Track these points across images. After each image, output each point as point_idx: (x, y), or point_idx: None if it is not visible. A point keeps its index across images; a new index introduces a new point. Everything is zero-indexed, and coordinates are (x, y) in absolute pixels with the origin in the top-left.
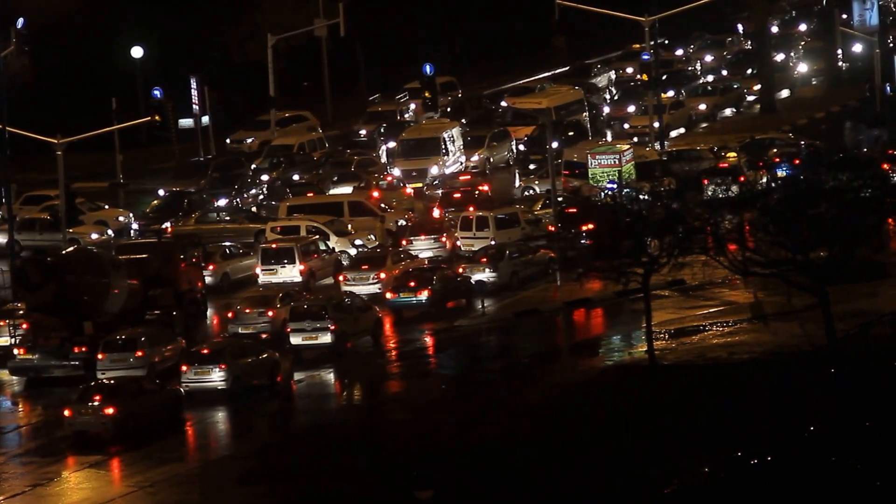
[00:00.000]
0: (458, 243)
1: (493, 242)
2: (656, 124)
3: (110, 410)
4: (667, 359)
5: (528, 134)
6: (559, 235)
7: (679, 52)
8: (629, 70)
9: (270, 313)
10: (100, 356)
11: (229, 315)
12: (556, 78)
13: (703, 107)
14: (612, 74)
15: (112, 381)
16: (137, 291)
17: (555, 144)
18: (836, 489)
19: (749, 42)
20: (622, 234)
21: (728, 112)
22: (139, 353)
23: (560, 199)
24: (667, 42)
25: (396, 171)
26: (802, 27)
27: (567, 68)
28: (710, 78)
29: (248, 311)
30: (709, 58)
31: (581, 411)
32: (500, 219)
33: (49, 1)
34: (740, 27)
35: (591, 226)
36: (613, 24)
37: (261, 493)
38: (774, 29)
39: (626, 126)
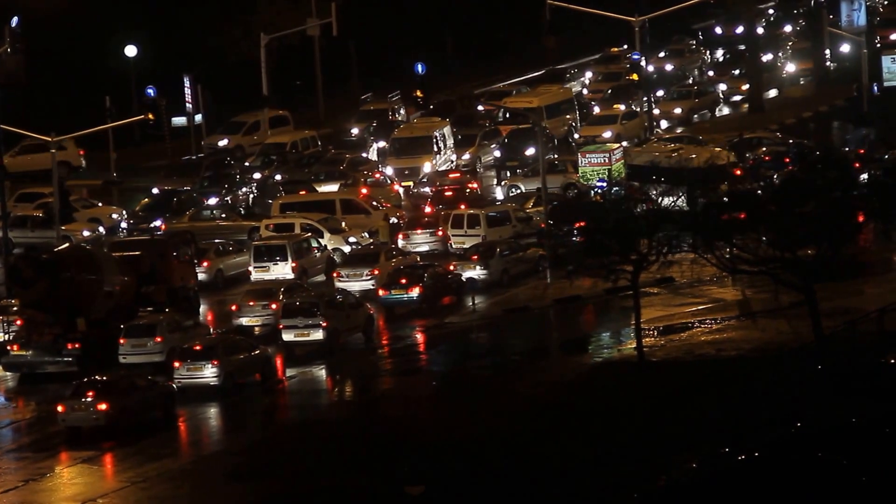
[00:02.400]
0: (450, 240)
1: (483, 239)
2: (607, 134)
3: (103, 406)
4: (655, 356)
5: (504, 136)
6: (549, 233)
7: (662, 54)
8: (593, 76)
9: (273, 306)
10: (121, 341)
11: (233, 308)
12: (531, 82)
13: (678, 111)
14: (587, 78)
15: (105, 377)
16: (130, 288)
17: (530, 151)
18: (822, 484)
19: (707, 51)
20: (612, 232)
21: (699, 115)
22: (158, 339)
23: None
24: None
25: (389, 170)
26: (789, 28)
27: (542, 72)
28: (690, 81)
29: (251, 303)
30: (669, 66)
31: (571, 408)
32: (492, 216)
33: (43, 1)
34: (718, 29)
35: (581, 223)
36: (604, 24)
37: (252, 488)
38: (760, 30)
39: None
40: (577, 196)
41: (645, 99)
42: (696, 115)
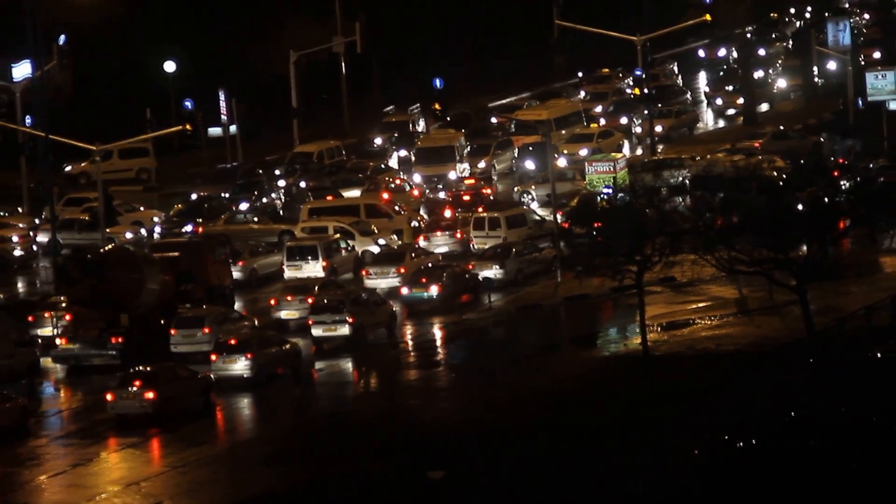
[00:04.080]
0: (472, 241)
1: (504, 240)
2: (583, 152)
3: (150, 395)
4: (659, 350)
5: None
6: (568, 233)
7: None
8: (582, 95)
9: (309, 300)
10: (172, 332)
11: (272, 302)
12: (542, 96)
13: (658, 128)
14: (581, 97)
15: (149, 368)
16: (170, 286)
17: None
18: (814, 471)
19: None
20: (619, 235)
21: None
22: (206, 330)
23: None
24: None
25: (417, 177)
26: (763, 52)
27: (542, 89)
28: (687, 96)
29: (289, 298)
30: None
31: (581, 398)
32: (510, 218)
33: (88, 18)
34: (701, 53)
35: (591, 226)
36: (609, 42)
37: (283, 472)
38: (762, 51)
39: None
40: (592, 200)
41: (646, 112)
42: (673, 134)
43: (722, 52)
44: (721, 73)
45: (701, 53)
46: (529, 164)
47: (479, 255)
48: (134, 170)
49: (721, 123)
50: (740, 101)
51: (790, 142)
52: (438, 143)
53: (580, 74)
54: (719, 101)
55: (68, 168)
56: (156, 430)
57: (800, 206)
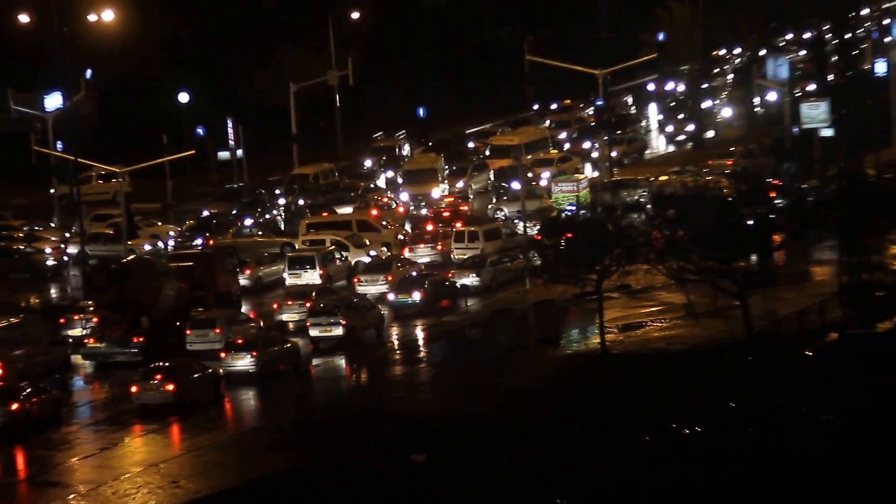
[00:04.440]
0: (453, 252)
1: (481, 251)
2: (545, 174)
3: (171, 387)
4: (616, 349)
5: (501, 166)
6: (539, 245)
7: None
8: (546, 123)
9: (308, 305)
10: (187, 332)
11: (274, 306)
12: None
13: (614, 154)
14: (547, 124)
15: (168, 364)
16: (185, 292)
17: (516, 184)
18: (751, 453)
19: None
20: (580, 247)
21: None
22: (217, 331)
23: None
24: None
25: (405, 196)
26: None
27: (513, 118)
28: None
29: (289, 302)
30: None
31: (547, 391)
32: (487, 232)
33: (111, 55)
34: (651, 86)
35: (556, 240)
36: (573, 74)
37: (285, 456)
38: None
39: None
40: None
41: (605, 138)
42: (626, 159)
43: (670, 86)
44: (672, 104)
45: (651, 87)
46: (514, 184)
47: (458, 265)
48: (111, 193)
49: (672, 148)
50: (690, 128)
51: (757, 160)
52: (422, 165)
53: (535, 107)
54: (671, 129)
55: (52, 191)
56: (174, 418)
57: (750, 222)
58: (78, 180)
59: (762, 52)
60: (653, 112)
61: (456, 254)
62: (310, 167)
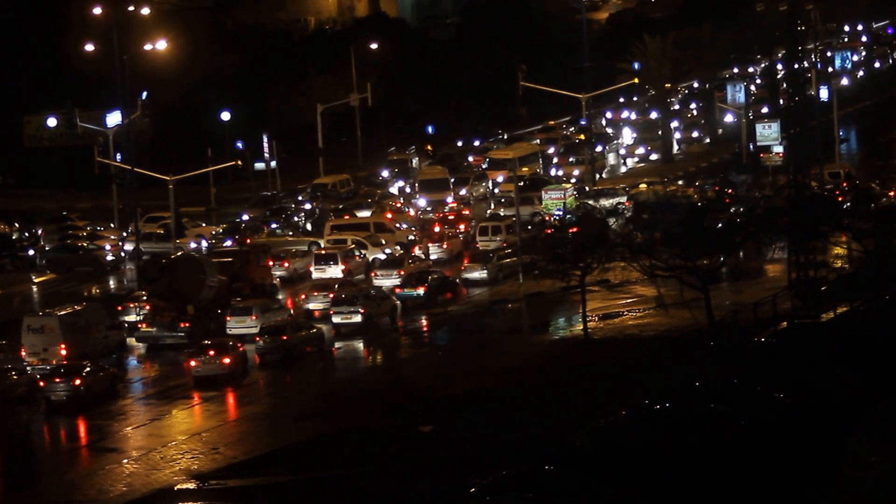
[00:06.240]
0: (478, 243)
1: (503, 243)
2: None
3: (227, 360)
4: (597, 335)
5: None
6: (525, 245)
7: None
8: (537, 141)
9: (331, 295)
10: (227, 318)
11: (302, 296)
12: (506, 140)
13: (576, 172)
14: (537, 141)
15: (216, 341)
16: (225, 284)
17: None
18: (713, 426)
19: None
20: (567, 246)
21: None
22: (253, 317)
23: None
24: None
25: (422, 202)
26: (692, 104)
27: (509, 134)
28: (622, 142)
29: (315, 293)
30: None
31: (537, 371)
32: (508, 227)
33: (164, 80)
34: (625, 114)
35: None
36: (559, 97)
37: (311, 426)
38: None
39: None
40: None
41: (590, 153)
42: (603, 173)
43: (635, 115)
44: (644, 125)
45: (625, 114)
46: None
47: (470, 259)
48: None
49: (642, 164)
50: (658, 145)
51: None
52: (436, 175)
53: (504, 135)
54: (642, 150)
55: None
56: (213, 393)
57: (719, 225)
58: (133, 188)
59: (723, 80)
60: (626, 133)
61: (480, 244)
62: (329, 178)
